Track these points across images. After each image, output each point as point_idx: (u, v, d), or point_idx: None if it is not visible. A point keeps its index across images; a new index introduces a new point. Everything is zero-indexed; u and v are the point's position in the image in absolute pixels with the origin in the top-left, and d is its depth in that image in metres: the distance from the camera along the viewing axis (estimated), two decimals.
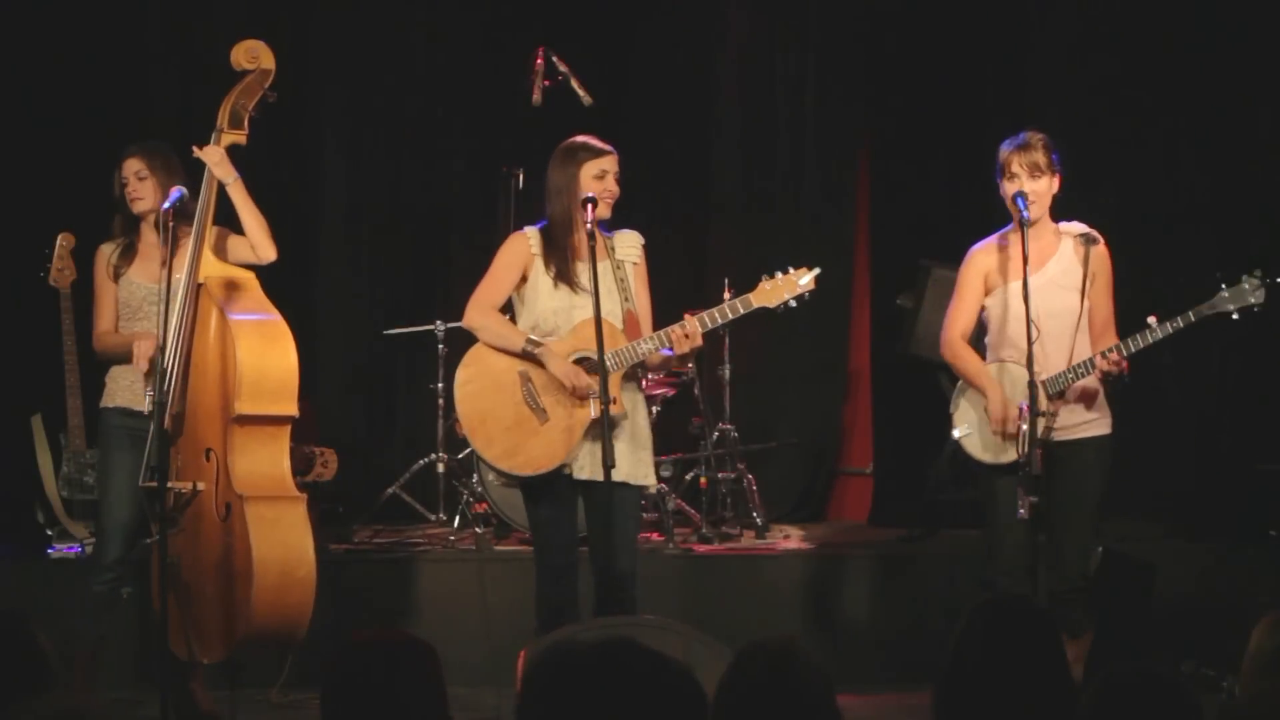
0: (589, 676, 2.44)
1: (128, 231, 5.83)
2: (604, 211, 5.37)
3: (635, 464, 5.31)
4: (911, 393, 7.55)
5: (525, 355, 5.29)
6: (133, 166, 5.75)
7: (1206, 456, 7.72)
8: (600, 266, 5.28)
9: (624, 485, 5.23)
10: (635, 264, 5.45)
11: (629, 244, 5.47)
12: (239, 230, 5.73)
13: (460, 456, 7.36)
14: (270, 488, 5.49)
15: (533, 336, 5.31)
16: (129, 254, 5.80)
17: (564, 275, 5.33)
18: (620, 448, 5.18)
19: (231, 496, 5.41)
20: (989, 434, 5.51)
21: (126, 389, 5.74)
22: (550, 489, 5.32)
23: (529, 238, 5.41)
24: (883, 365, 8.21)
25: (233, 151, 5.69)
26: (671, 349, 5.28)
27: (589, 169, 5.34)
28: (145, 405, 5.52)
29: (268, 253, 5.70)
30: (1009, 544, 5.42)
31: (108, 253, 5.82)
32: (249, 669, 5.74)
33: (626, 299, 5.36)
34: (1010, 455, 5.42)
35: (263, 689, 6.14)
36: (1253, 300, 5.35)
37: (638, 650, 2.47)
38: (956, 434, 5.59)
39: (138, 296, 5.75)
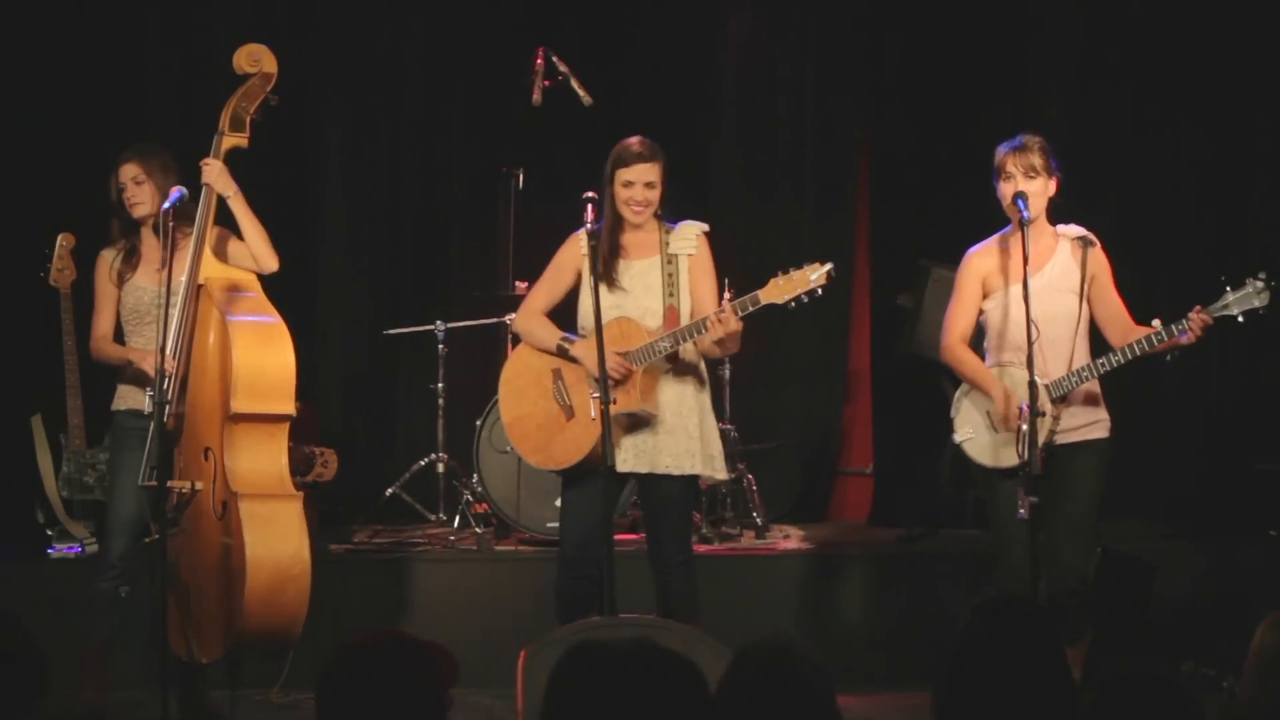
0: (618, 678, 2.45)
1: (127, 235, 5.82)
2: (633, 218, 5.44)
3: (682, 455, 5.40)
4: (911, 393, 7.56)
5: (560, 353, 5.44)
6: (130, 172, 5.74)
7: (1206, 456, 7.71)
8: (648, 263, 5.44)
9: (666, 477, 5.39)
10: (691, 254, 5.49)
11: (685, 236, 5.52)
12: (240, 233, 5.73)
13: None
14: (266, 485, 5.49)
15: (566, 335, 5.46)
16: (132, 259, 5.79)
17: (606, 275, 5.42)
18: (659, 441, 5.35)
19: (227, 494, 5.41)
20: (991, 438, 5.49)
21: (139, 392, 5.74)
22: (582, 479, 5.43)
23: (580, 239, 5.50)
24: (883, 365, 8.21)
25: (234, 153, 5.70)
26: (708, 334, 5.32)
27: (620, 176, 5.45)
28: (146, 406, 5.54)
29: (269, 263, 5.71)
30: (1016, 548, 5.33)
31: (109, 258, 5.81)
32: (249, 669, 5.73)
33: (671, 294, 5.42)
34: (1012, 460, 5.37)
35: (263, 689, 6.15)
36: (1257, 303, 5.24)
37: (659, 651, 2.48)
38: (958, 438, 5.58)
39: (145, 301, 5.74)
